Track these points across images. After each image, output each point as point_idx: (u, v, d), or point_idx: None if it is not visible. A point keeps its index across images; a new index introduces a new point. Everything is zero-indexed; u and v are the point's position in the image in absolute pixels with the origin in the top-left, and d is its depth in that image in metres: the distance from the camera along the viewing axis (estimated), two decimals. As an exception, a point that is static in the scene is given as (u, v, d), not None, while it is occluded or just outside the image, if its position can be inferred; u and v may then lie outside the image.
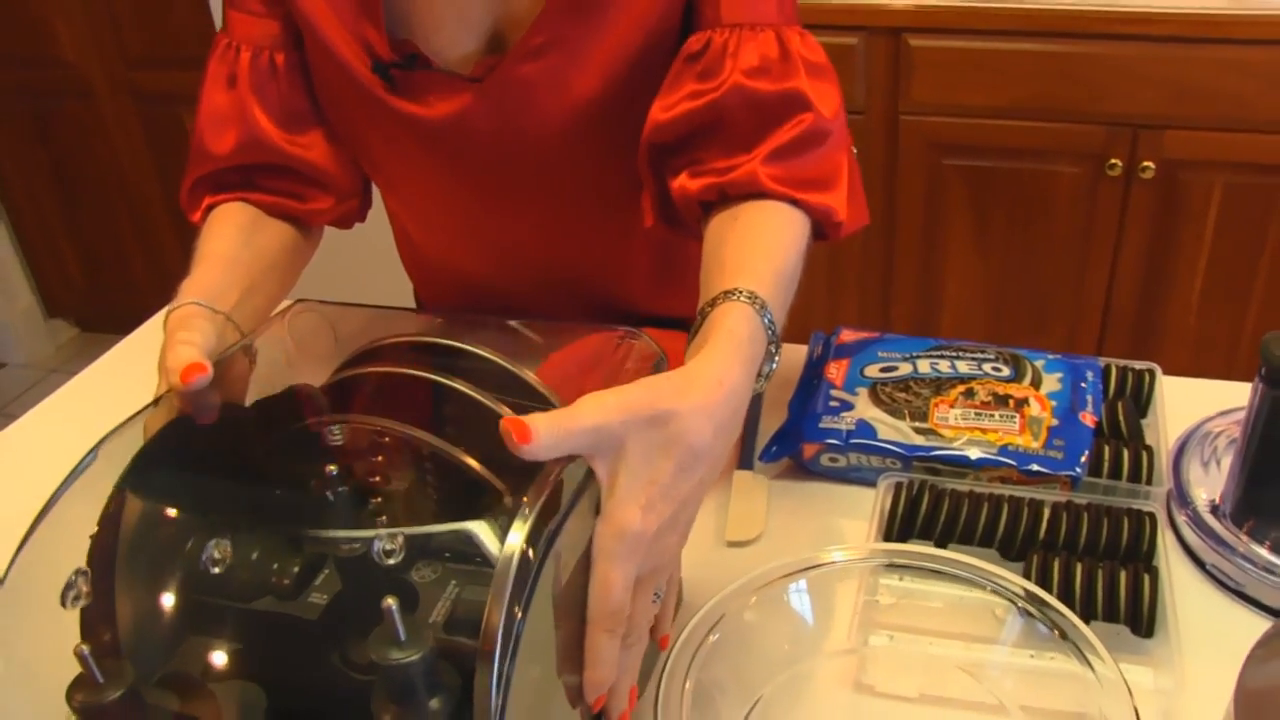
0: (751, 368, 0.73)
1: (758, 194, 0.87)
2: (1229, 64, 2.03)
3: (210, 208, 0.98)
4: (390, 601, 0.53)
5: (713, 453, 0.66)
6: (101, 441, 0.66)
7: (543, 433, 0.60)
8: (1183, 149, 2.10)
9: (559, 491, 0.60)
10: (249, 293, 0.90)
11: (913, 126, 2.20)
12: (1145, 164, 2.11)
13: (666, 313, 1.14)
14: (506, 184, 1.01)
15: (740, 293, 0.75)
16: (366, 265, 1.89)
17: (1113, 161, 2.12)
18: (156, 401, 0.72)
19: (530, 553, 0.56)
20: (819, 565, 0.81)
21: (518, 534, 0.56)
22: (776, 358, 0.77)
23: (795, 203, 0.87)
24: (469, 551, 0.63)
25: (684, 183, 0.90)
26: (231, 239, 0.94)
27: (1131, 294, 2.26)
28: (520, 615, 0.55)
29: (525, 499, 0.58)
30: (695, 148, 0.90)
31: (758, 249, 0.82)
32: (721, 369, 0.69)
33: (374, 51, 0.93)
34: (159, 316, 1.26)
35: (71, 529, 0.63)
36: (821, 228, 0.90)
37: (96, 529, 0.63)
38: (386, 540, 0.60)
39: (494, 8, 0.93)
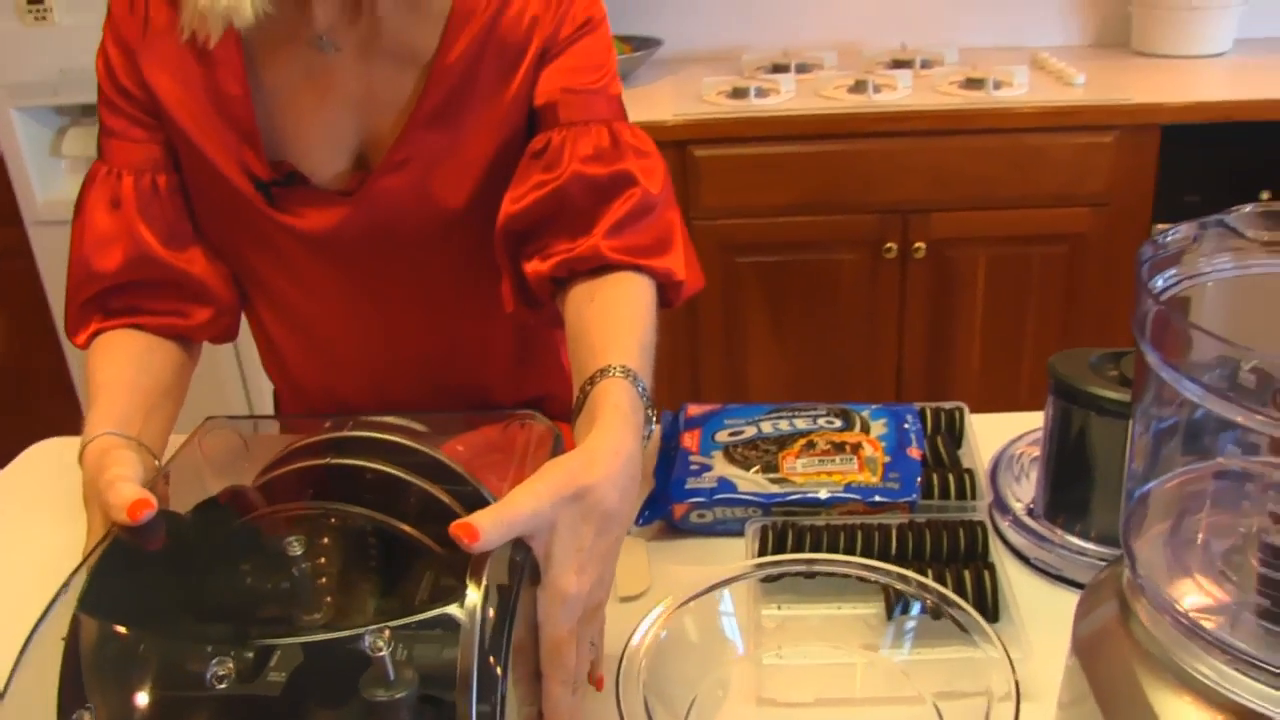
0: (639, 434, 0.83)
1: (603, 266, 0.99)
2: (976, 151, 2.31)
3: (98, 332, 1.04)
4: (380, 643, 0.60)
5: (622, 513, 0.77)
6: (62, 589, 0.69)
7: (488, 528, 0.69)
8: (948, 229, 2.36)
9: (512, 570, 0.68)
10: (150, 416, 0.95)
11: (705, 230, 2.38)
12: (917, 245, 2.35)
13: (522, 396, 1.25)
14: (379, 286, 1.11)
15: (614, 369, 0.86)
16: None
17: (888, 245, 2.36)
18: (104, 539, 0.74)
19: (491, 612, 0.64)
20: (714, 588, 0.90)
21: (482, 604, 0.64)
22: (654, 421, 0.88)
23: (638, 269, 1.00)
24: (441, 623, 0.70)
25: (536, 266, 1.03)
26: (126, 366, 1.00)
27: (919, 361, 2.49)
28: (490, 660, 0.62)
29: (482, 578, 0.66)
30: (544, 233, 1.03)
31: (619, 324, 0.94)
32: (617, 440, 0.79)
33: (253, 173, 1.03)
34: (41, 446, 1.27)
35: (44, 670, 0.66)
36: (665, 292, 1.03)
37: (62, 661, 0.66)
38: (375, 636, 0.64)
39: (359, 130, 1.05)
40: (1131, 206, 2.39)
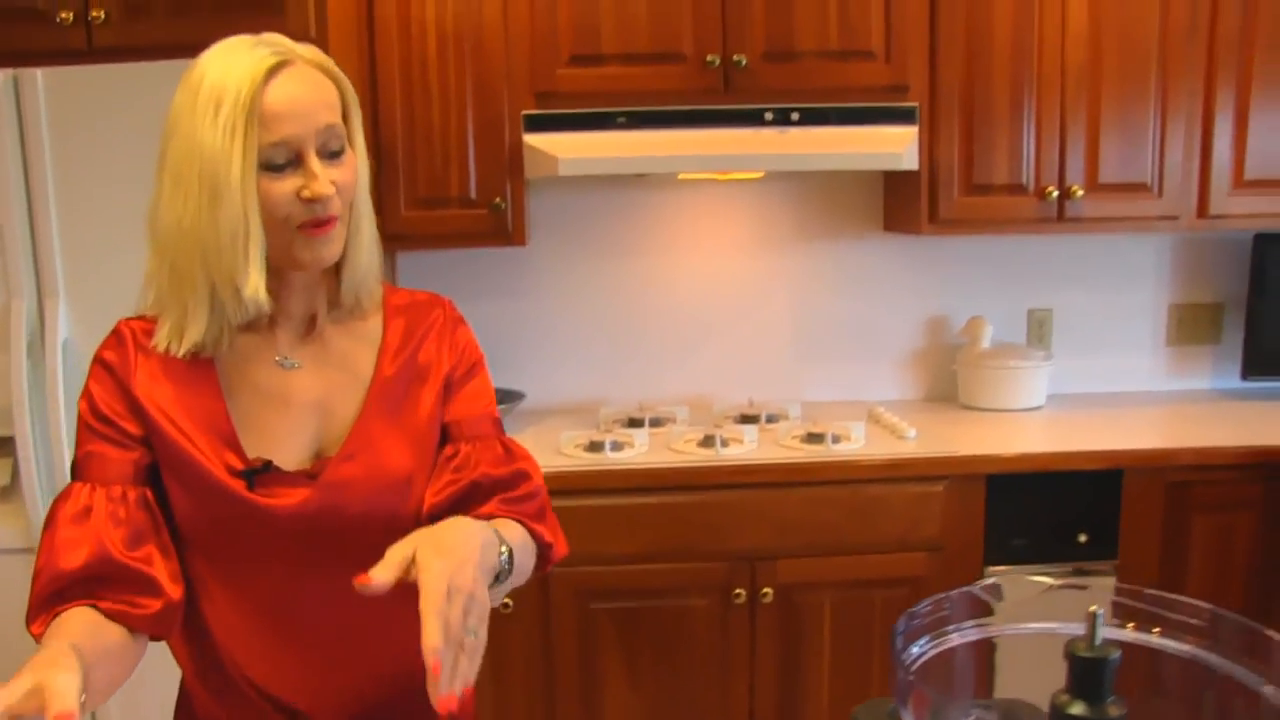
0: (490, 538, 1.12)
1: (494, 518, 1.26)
2: (819, 501, 2.45)
3: (56, 615, 1.15)
4: None
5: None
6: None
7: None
8: (794, 575, 2.46)
9: None
10: (92, 667, 1.04)
11: (562, 577, 2.44)
12: (765, 590, 2.44)
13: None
14: (330, 553, 1.25)
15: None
16: None
17: (737, 591, 2.44)
18: None
19: None
20: None
21: None
22: (510, 571, 1.16)
23: (521, 523, 1.28)
24: None
25: None
26: (77, 631, 1.10)
27: (771, 704, 2.52)
28: None
29: None
30: (461, 513, 1.25)
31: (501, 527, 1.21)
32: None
33: (233, 466, 1.23)
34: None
35: None
36: (541, 552, 1.30)
37: None
38: None
39: (318, 426, 1.29)
40: (964, 550, 2.53)
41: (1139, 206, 2.80)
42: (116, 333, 1.28)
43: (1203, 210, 2.83)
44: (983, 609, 0.81)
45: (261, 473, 1.23)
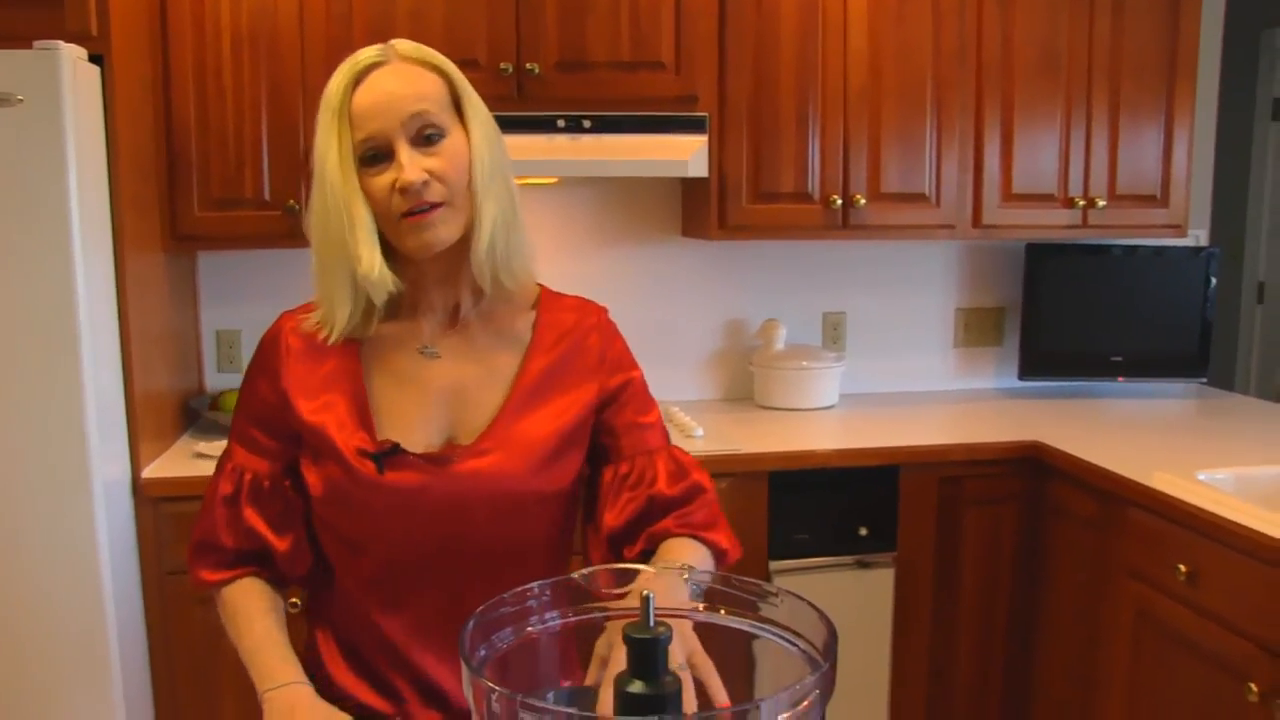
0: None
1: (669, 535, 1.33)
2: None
3: (222, 581, 1.37)
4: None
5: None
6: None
7: None
8: (580, 570, 2.52)
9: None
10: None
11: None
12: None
13: None
14: (452, 539, 1.32)
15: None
16: None
17: (526, 587, 2.49)
18: None
19: None
20: None
21: None
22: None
23: (695, 538, 1.32)
24: None
25: (626, 555, 1.35)
26: (267, 614, 1.34)
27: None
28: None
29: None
30: (639, 531, 1.35)
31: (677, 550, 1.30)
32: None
33: (365, 448, 1.29)
34: None
35: None
36: (716, 557, 1.34)
37: None
38: None
39: (450, 416, 1.34)
40: (748, 546, 2.61)
41: (918, 215, 2.96)
42: (276, 322, 1.39)
43: (977, 220, 3.01)
44: (576, 597, 0.88)
45: (390, 454, 1.28)
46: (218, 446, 2.06)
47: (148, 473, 2.43)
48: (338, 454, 1.30)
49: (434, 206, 1.26)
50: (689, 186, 3.09)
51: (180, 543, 2.13)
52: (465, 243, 1.30)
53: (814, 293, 3.31)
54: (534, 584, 0.97)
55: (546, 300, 1.43)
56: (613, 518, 1.36)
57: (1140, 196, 3.09)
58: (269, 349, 1.38)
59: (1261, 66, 4.76)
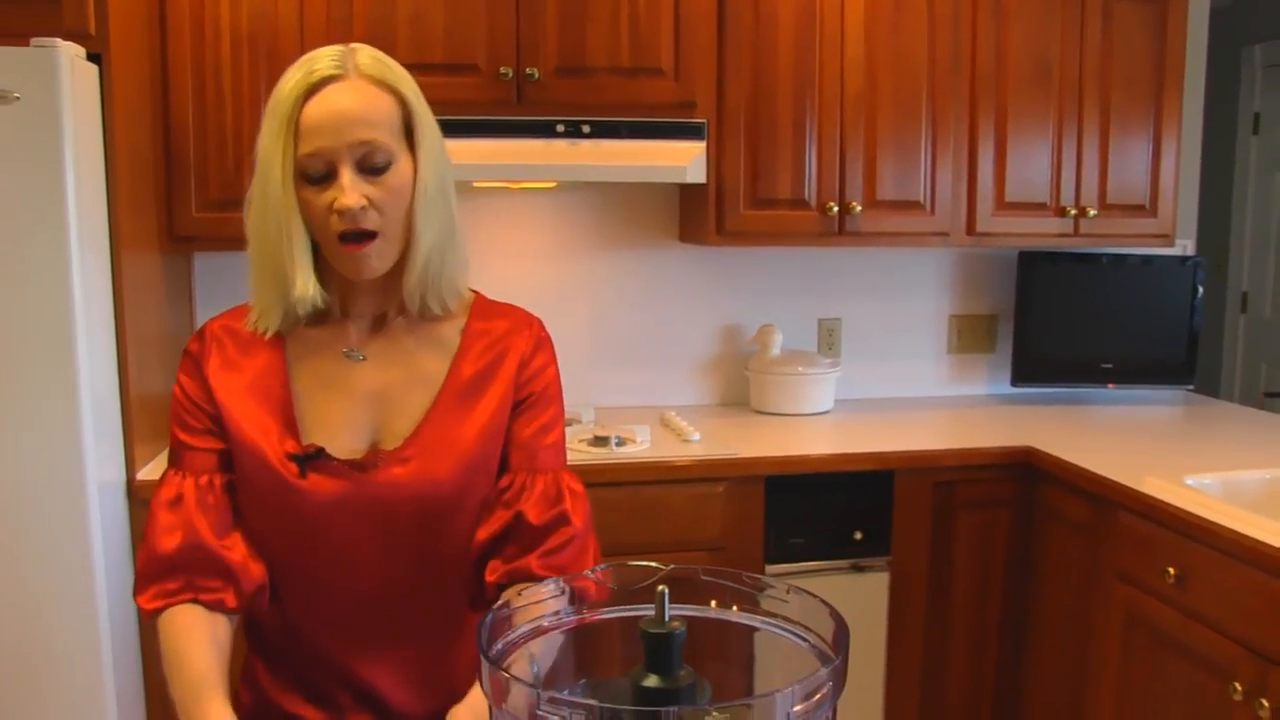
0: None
1: (533, 577, 1.27)
2: (600, 503, 2.51)
3: (162, 608, 1.27)
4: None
5: None
6: None
7: None
8: (577, 573, 2.52)
9: None
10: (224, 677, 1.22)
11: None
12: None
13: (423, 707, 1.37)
14: (375, 543, 1.31)
15: None
16: None
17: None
18: None
19: None
20: None
21: None
22: None
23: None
24: None
25: (489, 575, 1.32)
26: (206, 646, 1.24)
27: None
28: None
29: None
30: (498, 552, 1.33)
31: None
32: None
33: (289, 451, 1.29)
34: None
35: None
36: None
37: None
38: None
39: (374, 421, 1.33)
40: (744, 550, 2.64)
41: (913, 223, 2.98)
42: (201, 328, 1.38)
43: (971, 228, 3.03)
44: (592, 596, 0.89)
45: (313, 459, 1.28)
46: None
47: (143, 475, 2.42)
48: (263, 459, 1.30)
49: (369, 237, 1.25)
50: (687, 192, 3.10)
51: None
52: (399, 266, 1.31)
53: (810, 299, 3.32)
54: (549, 581, 0.96)
55: (480, 308, 1.42)
56: (483, 531, 1.34)
57: (1129, 206, 3.13)
58: (196, 346, 1.37)
59: (1243, 82, 4.82)
